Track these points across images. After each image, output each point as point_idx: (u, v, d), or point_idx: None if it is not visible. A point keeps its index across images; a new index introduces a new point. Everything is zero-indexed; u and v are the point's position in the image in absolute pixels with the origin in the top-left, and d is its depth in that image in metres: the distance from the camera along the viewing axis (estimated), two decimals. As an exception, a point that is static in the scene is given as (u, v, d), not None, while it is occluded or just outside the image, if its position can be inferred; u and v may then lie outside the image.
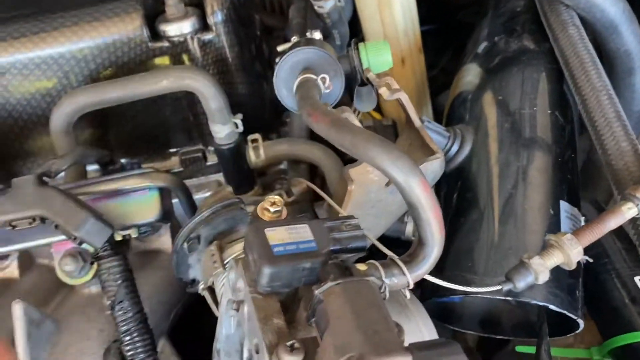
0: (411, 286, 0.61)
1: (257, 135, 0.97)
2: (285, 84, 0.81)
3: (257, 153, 0.96)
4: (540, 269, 0.67)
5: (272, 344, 0.57)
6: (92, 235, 0.76)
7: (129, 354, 0.77)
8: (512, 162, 0.85)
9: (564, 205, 0.81)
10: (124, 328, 0.78)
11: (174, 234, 0.97)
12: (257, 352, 0.60)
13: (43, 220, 0.77)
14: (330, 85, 0.79)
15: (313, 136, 1.01)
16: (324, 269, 0.58)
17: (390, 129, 1.19)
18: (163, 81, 0.86)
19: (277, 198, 0.66)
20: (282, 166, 1.05)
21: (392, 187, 0.76)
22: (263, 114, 1.05)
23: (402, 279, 0.60)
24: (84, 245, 0.85)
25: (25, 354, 0.75)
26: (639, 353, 0.83)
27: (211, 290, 0.81)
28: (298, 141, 0.98)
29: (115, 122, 0.99)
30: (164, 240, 0.99)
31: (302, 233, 0.62)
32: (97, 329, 0.82)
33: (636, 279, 0.87)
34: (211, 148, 1.03)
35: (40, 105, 0.96)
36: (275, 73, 0.82)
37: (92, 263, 0.83)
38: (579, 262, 0.79)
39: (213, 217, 0.77)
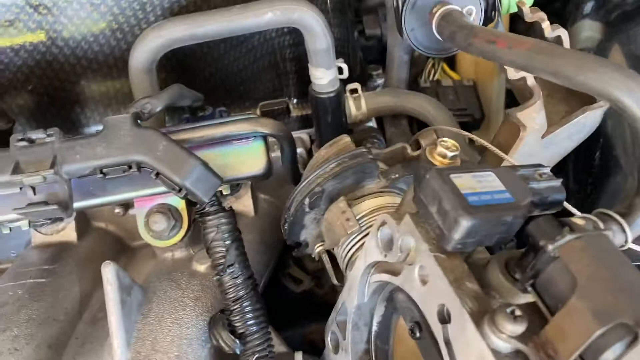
0: (629, 244, 0.51)
1: (357, 85, 0.86)
2: (418, 16, 0.70)
3: (358, 104, 0.85)
4: None
5: (474, 311, 0.47)
6: (200, 186, 0.64)
7: (238, 325, 0.66)
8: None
9: None
10: (233, 296, 0.67)
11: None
12: (444, 321, 0.50)
13: (139, 167, 0.65)
14: (475, 19, 0.68)
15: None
16: (537, 223, 0.48)
17: (470, 89, 1.10)
18: (268, 13, 0.74)
19: (451, 141, 0.55)
20: (371, 123, 0.95)
21: (547, 140, 0.67)
22: (355, 65, 0.93)
23: (619, 236, 0.51)
24: (172, 201, 0.74)
25: (118, 325, 0.63)
26: None
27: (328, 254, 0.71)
28: (402, 92, 0.88)
29: (193, 66, 0.88)
30: (244, 202, 0.88)
31: (491, 182, 0.52)
32: (192, 298, 0.71)
33: None
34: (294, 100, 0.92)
35: (105, 47, 0.83)
36: (405, 6, 0.71)
37: (193, 221, 0.71)
38: None
39: (341, 169, 0.66)
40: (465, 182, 0.51)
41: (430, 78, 1.15)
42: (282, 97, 0.92)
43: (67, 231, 0.88)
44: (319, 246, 0.71)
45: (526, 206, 0.50)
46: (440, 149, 0.56)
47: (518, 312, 0.44)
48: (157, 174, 0.64)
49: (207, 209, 0.67)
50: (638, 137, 0.65)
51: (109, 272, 0.64)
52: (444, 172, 0.51)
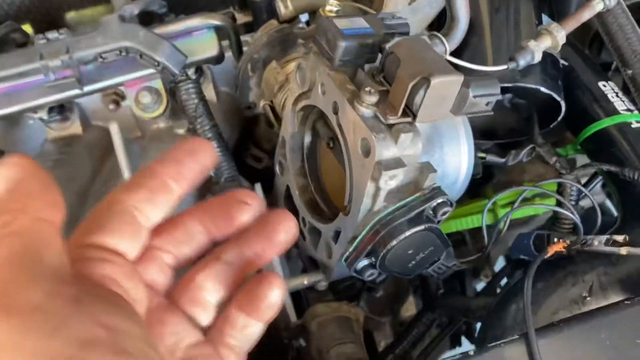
0: (448, 53, 0.80)
1: (283, -9, 1.13)
2: None
3: (286, 4, 1.11)
4: (536, 49, 0.87)
5: (350, 97, 0.75)
6: (171, 60, 0.91)
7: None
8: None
9: (545, 18, 1.02)
10: (203, 137, 0.95)
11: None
12: (336, 113, 0.78)
13: (127, 52, 0.92)
14: None
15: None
16: (385, 38, 0.76)
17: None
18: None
19: (335, 1, 0.83)
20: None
21: (413, 7, 0.95)
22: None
23: (441, 47, 0.80)
24: (154, 84, 1.01)
25: (124, 159, 0.91)
26: (602, 137, 1.05)
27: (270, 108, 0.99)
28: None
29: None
30: (208, 92, 1.15)
31: (360, 23, 0.80)
32: (176, 148, 0.99)
33: (599, 84, 1.10)
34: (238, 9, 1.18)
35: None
36: None
37: (170, 90, 0.98)
38: (559, 64, 1.01)
39: (270, 39, 0.94)
40: (342, 23, 0.79)
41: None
42: (227, 8, 1.19)
43: (74, 127, 1.14)
44: (263, 102, 0.99)
45: (382, 34, 0.78)
46: (328, 6, 0.84)
47: (372, 90, 0.73)
48: (141, 55, 0.91)
49: (178, 79, 0.95)
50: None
51: (114, 127, 0.92)
52: (329, 17, 0.79)
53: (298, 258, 1.10)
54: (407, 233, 0.75)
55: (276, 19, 1.14)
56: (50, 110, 1.09)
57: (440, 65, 0.69)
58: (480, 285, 1.48)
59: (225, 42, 1.07)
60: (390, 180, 0.72)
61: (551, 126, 1.06)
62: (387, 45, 0.73)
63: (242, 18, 1.18)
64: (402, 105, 0.70)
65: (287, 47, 0.96)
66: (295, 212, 0.98)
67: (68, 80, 0.88)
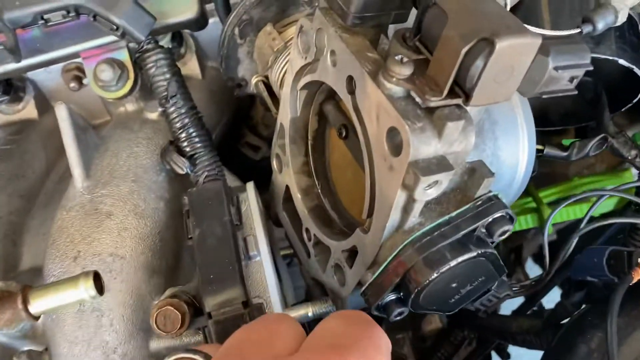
0: (508, 8, 0.58)
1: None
2: None
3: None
4: (621, 6, 0.64)
5: (372, 70, 0.53)
6: (135, 24, 0.70)
7: (187, 149, 0.73)
8: None
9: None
10: (179, 124, 0.73)
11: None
12: (352, 92, 0.57)
13: (78, 12, 0.70)
14: None
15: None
16: (420, -12, 0.54)
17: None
18: None
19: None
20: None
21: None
22: None
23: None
24: (117, 55, 0.79)
25: (75, 153, 0.70)
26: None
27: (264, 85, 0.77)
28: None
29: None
30: (190, 67, 0.93)
31: (385, -34, 0.58)
32: (144, 138, 0.78)
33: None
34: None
35: None
36: None
37: (135, 61, 0.76)
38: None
39: (265, -4, 0.71)
40: (360, -34, 0.57)
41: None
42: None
43: (28, 109, 0.93)
44: (255, 77, 0.77)
45: (414, -19, 0.56)
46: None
47: (405, 59, 0.51)
48: (95, 17, 0.69)
49: (145, 47, 0.73)
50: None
51: (62, 109, 0.71)
52: (341, -41, 0.57)
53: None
54: (453, 263, 0.53)
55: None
56: (-7, 88, 0.88)
57: (507, 22, 0.47)
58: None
59: (210, 6, 0.85)
60: (430, 189, 0.50)
61: (623, 109, 0.83)
62: (428, -7, 0.50)
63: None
64: (450, 81, 0.48)
65: (286, 6, 0.73)
66: (297, 219, 0.76)
67: (-4, 49, 0.67)
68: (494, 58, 0.45)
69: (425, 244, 0.54)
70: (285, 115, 0.72)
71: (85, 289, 0.58)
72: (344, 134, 0.68)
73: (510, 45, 0.45)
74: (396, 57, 0.50)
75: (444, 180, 0.51)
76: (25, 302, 0.58)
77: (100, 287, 0.59)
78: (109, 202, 0.69)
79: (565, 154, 0.77)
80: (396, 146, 0.51)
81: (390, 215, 0.54)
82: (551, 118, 0.91)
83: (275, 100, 0.77)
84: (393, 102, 0.51)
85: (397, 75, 0.50)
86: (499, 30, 0.45)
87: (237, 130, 1.11)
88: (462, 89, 0.49)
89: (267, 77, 0.76)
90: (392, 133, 0.51)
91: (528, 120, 0.64)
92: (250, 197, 0.76)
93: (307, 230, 0.73)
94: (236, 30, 0.72)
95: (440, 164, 0.50)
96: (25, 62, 0.74)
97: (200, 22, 0.79)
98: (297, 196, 0.74)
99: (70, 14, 0.70)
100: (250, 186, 0.79)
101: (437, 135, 0.49)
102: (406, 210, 0.53)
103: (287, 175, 0.76)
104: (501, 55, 0.45)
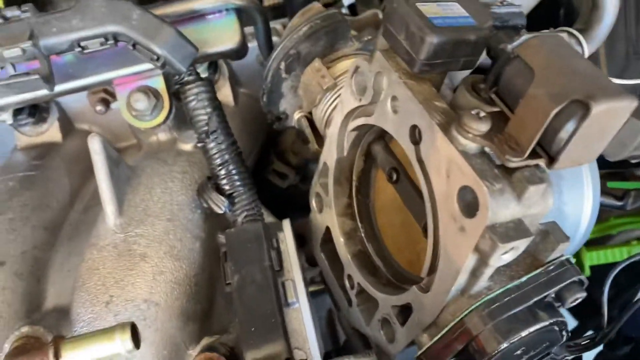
0: (586, 55, 0.54)
1: (326, -34, 0.87)
2: None
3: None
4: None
5: (443, 122, 0.50)
6: (177, 55, 0.66)
7: (227, 187, 0.69)
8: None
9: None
10: (219, 161, 0.69)
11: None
12: (416, 142, 0.53)
13: (116, 40, 0.66)
14: None
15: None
16: (496, 36, 0.50)
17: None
18: None
19: (415, -22, 0.57)
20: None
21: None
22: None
23: (578, 49, 0.54)
24: (152, 83, 0.76)
25: (108, 189, 0.66)
26: None
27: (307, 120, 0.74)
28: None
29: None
30: (223, 92, 0.90)
31: (454, 9, 0.54)
32: (179, 172, 0.74)
33: None
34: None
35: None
36: None
37: (175, 97, 0.73)
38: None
39: (314, 30, 0.68)
40: (430, 8, 0.53)
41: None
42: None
43: (51, 132, 0.89)
44: (298, 113, 0.73)
45: (488, 27, 0.53)
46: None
47: (482, 113, 0.47)
48: (134, 45, 0.66)
49: (185, 78, 0.69)
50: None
51: (95, 142, 0.67)
52: (410, 1, 0.53)
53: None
54: (524, 333, 0.49)
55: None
56: (18, 111, 0.84)
57: (601, 83, 0.43)
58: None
59: (248, 30, 0.81)
60: (506, 254, 0.47)
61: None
62: (510, 46, 0.47)
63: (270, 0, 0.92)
64: (535, 142, 0.45)
65: (334, 41, 0.70)
66: (336, 262, 0.73)
67: (30, 78, 0.63)
68: (588, 122, 0.42)
69: (494, 311, 0.50)
70: (331, 155, 0.68)
71: (121, 342, 0.54)
72: (394, 177, 0.64)
73: (606, 109, 0.42)
74: (472, 112, 0.47)
75: (522, 247, 0.47)
76: (57, 355, 0.54)
77: (136, 340, 0.55)
78: (143, 243, 0.65)
79: (620, 203, 0.73)
80: (468, 206, 0.47)
81: (458, 279, 0.50)
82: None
83: (318, 136, 0.74)
84: (468, 159, 0.47)
85: (473, 131, 0.47)
86: (594, 93, 0.42)
87: (264, 157, 1.07)
88: (545, 150, 0.46)
89: (310, 113, 0.73)
90: (465, 191, 0.48)
91: (593, 173, 0.61)
92: (287, 237, 0.72)
93: (350, 277, 0.69)
94: (282, 65, 0.69)
95: (518, 229, 0.46)
96: (57, 89, 0.70)
97: (241, 52, 0.76)
98: (339, 240, 0.70)
99: (109, 42, 0.66)
100: (287, 225, 0.75)
101: (517, 198, 0.46)
102: (475, 274, 0.49)
103: (329, 216, 0.72)
104: (596, 119, 0.42)
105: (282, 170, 1.06)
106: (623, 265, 0.65)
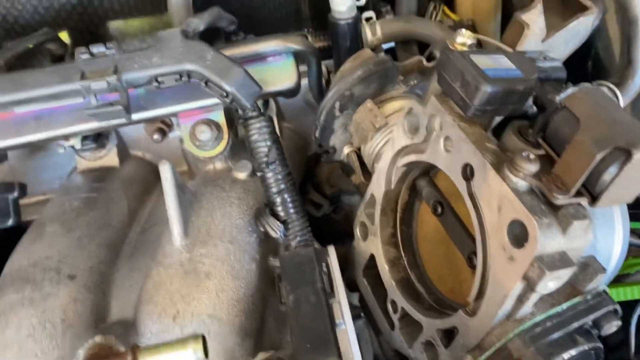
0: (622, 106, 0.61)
1: (372, 13, 0.95)
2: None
3: (374, 30, 0.93)
4: None
5: (494, 162, 0.56)
6: (244, 92, 0.73)
7: (281, 213, 0.75)
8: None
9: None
10: (275, 189, 0.76)
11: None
12: (468, 179, 0.59)
13: (190, 76, 0.73)
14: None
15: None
16: (543, 87, 0.57)
17: (470, 28, 1.19)
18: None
19: (468, 32, 0.64)
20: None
21: (546, 44, 0.76)
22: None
23: (613, 102, 0.60)
24: (214, 116, 0.82)
25: (176, 212, 0.72)
26: None
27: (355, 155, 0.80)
28: (414, 18, 0.96)
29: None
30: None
31: (503, 62, 0.61)
32: (236, 197, 0.80)
33: None
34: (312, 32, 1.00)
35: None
36: None
37: (233, 130, 0.79)
38: None
39: (368, 74, 0.75)
40: (482, 60, 0.60)
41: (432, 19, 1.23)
42: (301, 30, 1.01)
43: (110, 157, 0.96)
44: (348, 148, 0.79)
45: (534, 79, 0.59)
46: (460, 38, 0.65)
47: (532, 156, 0.53)
48: (207, 82, 0.73)
49: (250, 114, 0.76)
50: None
51: (166, 170, 0.73)
52: (465, 53, 0.60)
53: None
54: (566, 356, 0.54)
55: (360, 45, 0.95)
56: (85, 137, 0.91)
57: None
58: None
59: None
60: (551, 282, 0.52)
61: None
62: (558, 97, 0.53)
63: (316, 42, 1.00)
64: (580, 183, 0.51)
65: (384, 84, 0.77)
66: (378, 287, 0.78)
67: (114, 108, 0.70)
68: (630, 167, 0.48)
69: (536, 335, 0.55)
70: (379, 187, 0.74)
71: (194, 352, 0.59)
72: (439, 210, 0.70)
73: (646, 156, 0.48)
74: (523, 154, 0.53)
75: (565, 276, 0.52)
76: (134, 361, 0.59)
77: (206, 351, 0.60)
78: (207, 262, 0.71)
79: (643, 242, 0.78)
80: (518, 238, 0.53)
81: (505, 304, 0.55)
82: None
83: (365, 170, 0.80)
84: (519, 195, 0.53)
85: (524, 171, 0.53)
86: (636, 141, 0.48)
87: (301, 187, 1.13)
88: (587, 190, 0.52)
89: (359, 149, 0.79)
90: (514, 224, 0.53)
91: (623, 213, 0.66)
92: (333, 261, 0.78)
93: (393, 302, 0.74)
94: (337, 104, 0.75)
95: (562, 260, 0.52)
96: (133, 117, 0.77)
97: (296, 90, 0.83)
98: (384, 267, 0.75)
99: (183, 78, 0.73)
100: (332, 251, 0.80)
101: (562, 232, 0.51)
102: (521, 300, 0.55)
103: (373, 244, 0.77)
104: (637, 164, 0.48)
105: (317, 201, 1.12)
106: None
